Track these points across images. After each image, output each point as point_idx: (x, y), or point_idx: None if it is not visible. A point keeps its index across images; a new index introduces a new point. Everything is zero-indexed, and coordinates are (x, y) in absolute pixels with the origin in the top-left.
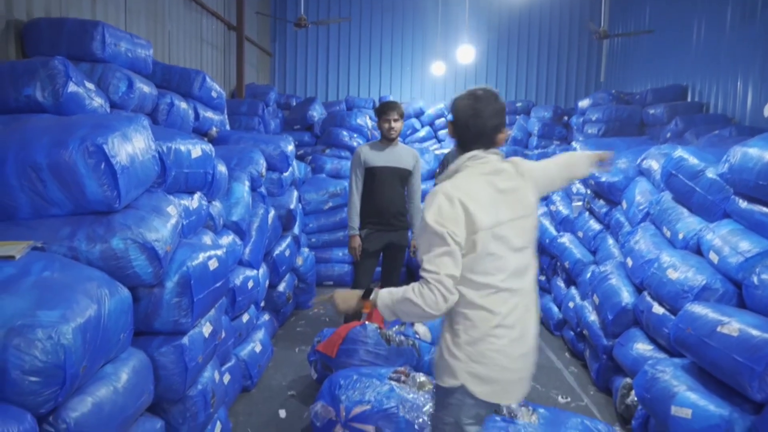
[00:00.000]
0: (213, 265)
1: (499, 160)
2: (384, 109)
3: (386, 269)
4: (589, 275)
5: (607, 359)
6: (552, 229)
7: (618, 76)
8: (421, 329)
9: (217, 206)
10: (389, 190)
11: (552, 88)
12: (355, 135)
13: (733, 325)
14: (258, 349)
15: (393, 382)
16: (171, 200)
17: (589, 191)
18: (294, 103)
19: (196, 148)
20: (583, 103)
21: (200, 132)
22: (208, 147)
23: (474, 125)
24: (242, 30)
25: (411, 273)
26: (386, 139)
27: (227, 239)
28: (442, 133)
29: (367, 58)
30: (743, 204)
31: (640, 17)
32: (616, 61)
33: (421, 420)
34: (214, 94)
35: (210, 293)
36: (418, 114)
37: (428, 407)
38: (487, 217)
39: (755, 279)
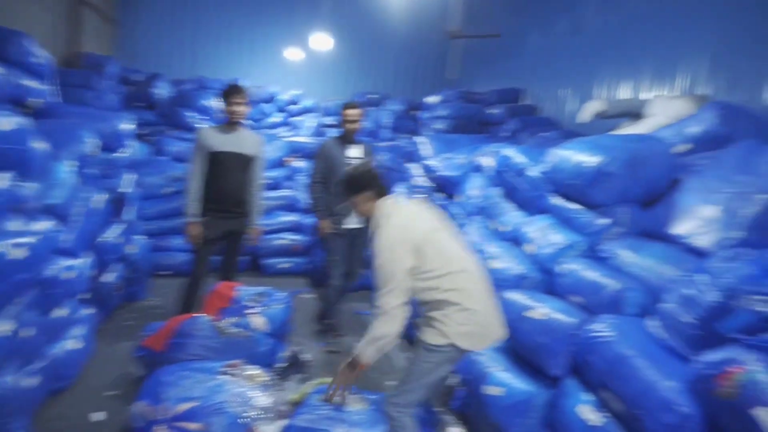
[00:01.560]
0: (12, 254)
1: None
2: (229, 93)
3: (226, 257)
4: None
5: None
6: None
7: (467, 76)
8: (258, 320)
9: (32, 187)
10: (232, 176)
11: (403, 83)
12: (203, 117)
13: (539, 310)
14: (75, 346)
15: (223, 377)
16: None
17: (429, 184)
18: (139, 79)
19: (6, 121)
20: (432, 100)
21: (18, 102)
22: (24, 120)
23: None
24: None
25: (255, 263)
26: (230, 123)
27: (43, 225)
28: (296, 119)
29: (225, 38)
30: (557, 201)
31: (489, 21)
32: (466, 62)
33: (251, 414)
34: (35, 60)
35: (6, 287)
36: (268, 99)
37: (262, 400)
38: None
39: (562, 268)
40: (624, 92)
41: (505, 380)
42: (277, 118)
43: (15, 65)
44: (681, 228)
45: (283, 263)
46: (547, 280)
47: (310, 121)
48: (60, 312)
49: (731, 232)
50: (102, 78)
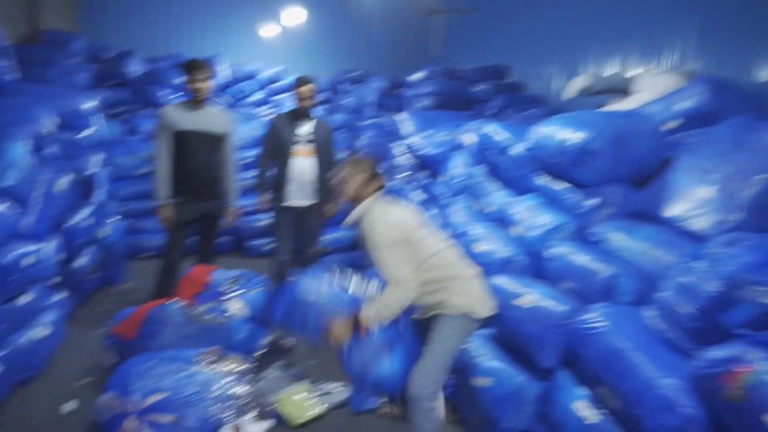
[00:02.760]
0: None
1: None
2: (191, 68)
3: (201, 241)
4: None
5: None
6: None
7: (450, 54)
8: (236, 305)
9: None
10: (199, 157)
11: (386, 61)
12: (177, 95)
13: (527, 297)
14: (43, 333)
15: (197, 366)
16: None
17: (413, 162)
18: (108, 56)
19: None
20: (415, 77)
21: None
22: None
23: None
24: None
25: (240, 243)
26: (196, 101)
27: None
28: (279, 98)
29: (201, 13)
30: (544, 179)
31: None
32: (449, 39)
33: (227, 404)
34: None
35: None
36: (249, 77)
37: (238, 389)
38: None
39: (551, 251)
40: (611, 68)
41: (494, 370)
42: (258, 96)
43: None
44: (675, 209)
45: (268, 244)
46: (535, 264)
47: (291, 100)
48: (25, 299)
49: (729, 214)
50: (66, 55)
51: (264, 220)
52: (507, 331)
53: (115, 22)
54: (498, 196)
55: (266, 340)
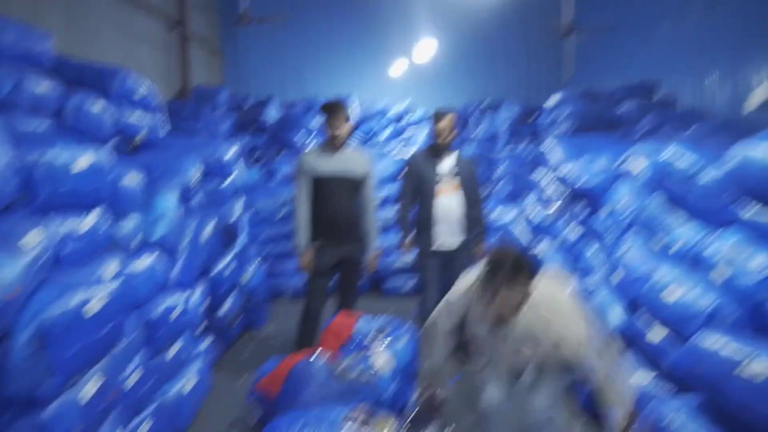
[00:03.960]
0: (92, 308)
1: None
2: (328, 110)
3: (342, 286)
4: None
5: None
6: (526, 234)
7: (586, 74)
8: (381, 359)
9: (130, 224)
10: (338, 201)
11: (516, 87)
12: (312, 137)
13: (755, 366)
14: (191, 385)
15: (347, 427)
16: (34, 225)
17: (567, 193)
18: (249, 105)
19: (81, 159)
20: (552, 100)
21: (126, 137)
22: (103, 155)
23: None
24: (186, 27)
25: (378, 283)
26: (333, 144)
27: (146, 261)
28: (408, 133)
29: (329, 57)
30: (754, 209)
31: (605, 14)
32: (583, 59)
33: None
34: (138, 95)
35: (90, 345)
36: (378, 115)
37: None
38: None
39: None
40: None
41: None
42: (387, 132)
43: (120, 102)
44: None
45: (404, 283)
46: (747, 315)
47: (422, 134)
48: (173, 350)
49: None
50: (212, 107)
51: (403, 259)
52: (729, 403)
53: (256, 73)
54: (685, 232)
55: (416, 396)
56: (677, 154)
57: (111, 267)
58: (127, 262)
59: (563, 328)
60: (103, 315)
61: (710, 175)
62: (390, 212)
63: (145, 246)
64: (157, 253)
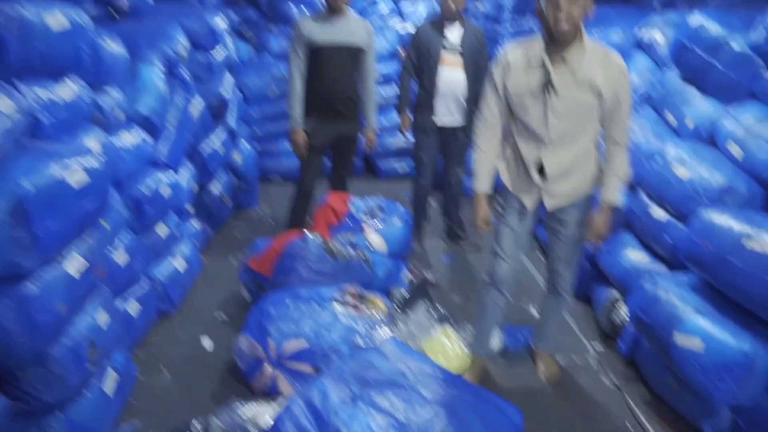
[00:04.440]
0: (77, 179)
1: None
2: None
3: (337, 165)
4: None
5: (590, 267)
6: None
7: None
8: (376, 239)
9: (113, 96)
10: (338, 72)
11: None
12: (307, 9)
13: (764, 238)
14: (180, 265)
15: (338, 307)
16: (5, 91)
17: None
18: None
19: (56, 17)
20: None
21: (108, 3)
22: (81, 17)
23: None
24: None
25: (369, 167)
26: (332, 10)
27: (131, 135)
28: (410, 9)
29: None
30: None
31: None
32: None
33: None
34: None
35: (74, 218)
36: None
37: (384, 335)
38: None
39: None
40: None
41: (703, 328)
42: (386, 6)
43: None
44: None
45: (400, 165)
46: (760, 195)
47: (424, 8)
48: (162, 229)
49: None
50: None
51: (399, 139)
52: (729, 280)
53: None
54: (701, 107)
55: (407, 277)
56: (702, 24)
57: (94, 140)
58: (110, 136)
59: (616, 81)
60: (87, 188)
61: (736, 46)
62: (389, 91)
63: (129, 120)
64: (141, 128)
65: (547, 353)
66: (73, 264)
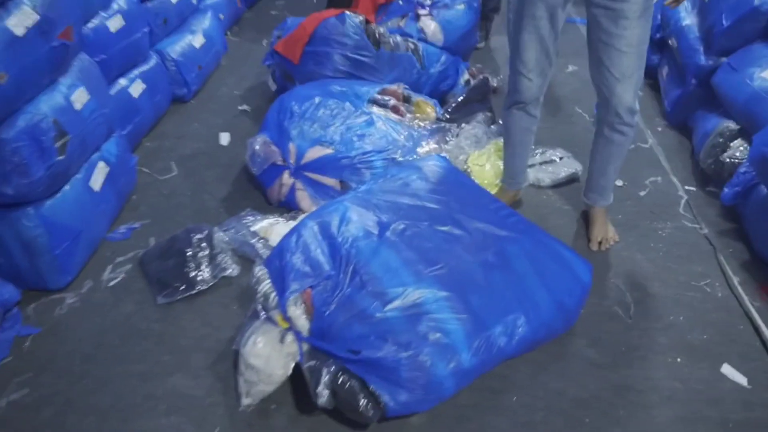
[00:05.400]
0: None
1: None
2: None
3: None
4: None
5: (698, 86)
6: None
7: None
8: (432, 27)
9: None
10: None
11: None
12: None
13: None
14: (198, 42)
15: (376, 110)
16: None
17: None
18: None
19: None
20: None
21: None
22: None
23: None
24: None
25: None
26: None
27: None
28: None
29: None
30: None
31: None
32: None
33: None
34: None
35: None
36: None
37: (427, 145)
38: None
39: None
40: None
41: None
42: None
43: None
44: None
45: None
46: None
47: None
48: None
49: None
50: None
51: None
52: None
53: None
54: None
55: (465, 77)
56: None
57: None
58: None
59: None
60: None
61: None
62: None
63: None
64: None
65: (602, 210)
66: (16, 17)
